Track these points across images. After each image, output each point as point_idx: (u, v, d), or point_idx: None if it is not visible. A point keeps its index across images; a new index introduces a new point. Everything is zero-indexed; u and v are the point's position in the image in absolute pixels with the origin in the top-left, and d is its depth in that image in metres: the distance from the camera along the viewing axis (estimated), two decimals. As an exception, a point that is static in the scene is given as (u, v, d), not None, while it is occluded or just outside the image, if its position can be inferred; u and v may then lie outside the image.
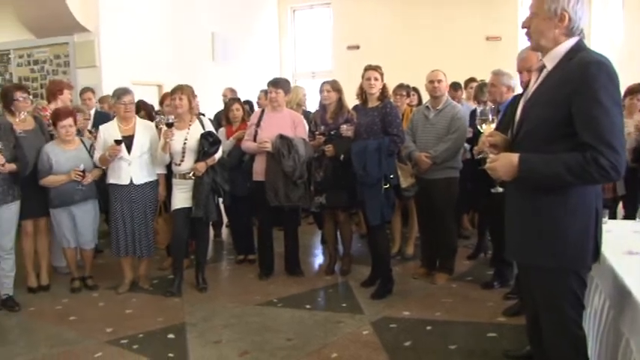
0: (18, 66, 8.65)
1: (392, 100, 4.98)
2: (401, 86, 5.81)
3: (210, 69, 9.41)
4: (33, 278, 4.89)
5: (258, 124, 4.94)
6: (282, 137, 4.73)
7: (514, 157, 2.08)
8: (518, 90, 4.10)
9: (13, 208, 4.44)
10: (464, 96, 6.77)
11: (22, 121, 4.66)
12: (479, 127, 2.56)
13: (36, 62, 8.52)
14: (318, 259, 5.83)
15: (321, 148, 4.80)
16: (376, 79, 4.53)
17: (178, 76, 7.45)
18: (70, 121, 4.63)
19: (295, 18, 12.15)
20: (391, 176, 4.45)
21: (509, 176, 2.11)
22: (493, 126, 2.52)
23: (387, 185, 4.42)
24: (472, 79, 6.89)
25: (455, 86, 6.53)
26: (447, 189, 4.73)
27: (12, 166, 4.28)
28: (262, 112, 5.06)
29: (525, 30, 2.19)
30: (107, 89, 7.31)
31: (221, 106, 6.77)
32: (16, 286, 4.61)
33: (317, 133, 4.84)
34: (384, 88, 4.61)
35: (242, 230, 5.59)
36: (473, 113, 5.09)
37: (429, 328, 3.89)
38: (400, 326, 3.94)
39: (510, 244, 2.30)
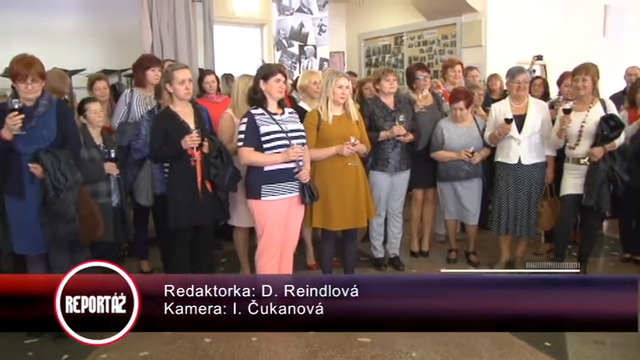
0: (409, 47, 9.45)
1: None
2: None
3: (600, 46, 8.62)
4: (415, 243, 5.31)
5: (674, 109, 4.34)
6: None
7: None
8: None
9: (404, 176, 4.85)
10: None
11: (423, 98, 5.06)
12: None
13: (425, 43, 9.16)
14: None
15: None
16: None
17: (564, 54, 7.07)
18: (461, 104, 4.77)
19: None
20: None
21: None
22: None
23: None
24: None
25: None
26: None
27: (410, 137, 4.67)
28: (680, 94, 4.44)
29: None
30: (491, 68, 7.38)
31: (613, 87, 6.21)
32: (401, 248, 5.05)
33: None
34: None
35: (634, 227, 5.03)
36: None
37: None
38: None
39: None
